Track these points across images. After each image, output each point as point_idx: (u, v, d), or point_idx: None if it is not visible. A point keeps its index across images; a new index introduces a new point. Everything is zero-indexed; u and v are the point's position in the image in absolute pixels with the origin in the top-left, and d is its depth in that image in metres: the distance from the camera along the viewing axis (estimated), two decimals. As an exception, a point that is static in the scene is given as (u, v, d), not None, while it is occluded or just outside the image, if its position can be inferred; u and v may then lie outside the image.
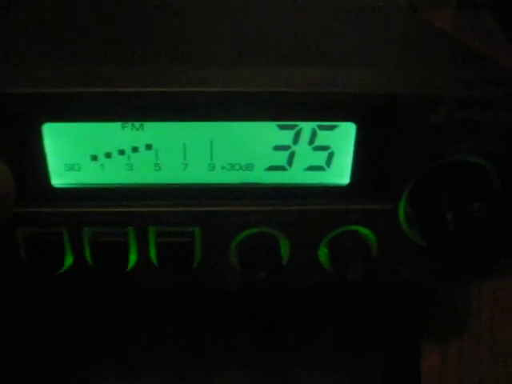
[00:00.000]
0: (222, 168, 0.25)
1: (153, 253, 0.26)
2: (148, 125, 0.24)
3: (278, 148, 0.25)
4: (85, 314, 0.32)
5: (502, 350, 0.30)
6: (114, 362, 0.30)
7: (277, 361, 0.30)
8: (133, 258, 0.26)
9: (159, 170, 0.25)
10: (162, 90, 0.23)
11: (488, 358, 0.30)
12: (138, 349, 0.31)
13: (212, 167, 0.25)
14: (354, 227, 0.26)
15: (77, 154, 0.25)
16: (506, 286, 0.34)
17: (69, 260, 0.26)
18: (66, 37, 0.31)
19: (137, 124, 0.24)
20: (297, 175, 0.26)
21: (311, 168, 0.25)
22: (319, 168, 0.26)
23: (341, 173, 0.26)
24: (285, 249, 0.26)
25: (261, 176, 0.25)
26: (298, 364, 0.30)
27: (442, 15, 0.81)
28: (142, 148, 0.25)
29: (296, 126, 0.24)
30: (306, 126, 0.25)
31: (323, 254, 0.27)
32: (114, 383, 0.29)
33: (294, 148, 0.25)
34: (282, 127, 0.24)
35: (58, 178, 0.25)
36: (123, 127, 0.24)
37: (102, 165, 0.25)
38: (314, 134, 0.25)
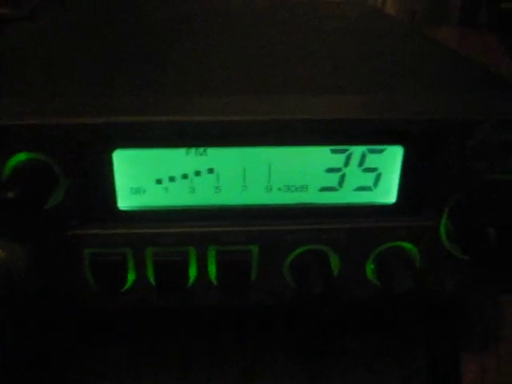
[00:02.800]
0: (279, 189, 0.27)
1: (212, 271, 0.27)
2: (211, 150, 0.26)
3: (330, 170, 0.27)
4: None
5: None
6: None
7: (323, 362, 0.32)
8: (192, 276, 0.28)
9: (219, 192, 0.27)
10: (224, 118, 0.25)
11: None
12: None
13: (269, 189, 0.27)
14: (398, 243, 0.28)
15: (143, 178, 0.26)
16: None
17: (131, 278, 0.28)
18: (125, 67, 0.32)
19: (200, 149, 0.26)
20: (347, 195, 0.27)
21: (360, 188, 0.27)
22: (367, 188, 0.27)
23: (387, 192, 0.27)
24: (335, 264, 0.28)
25: (314, 196, 0.27)
26: (348, 370, 0.32)
27: (442, 33, 0.84)
28: (204, 172, 0.26)
29: (347, 150, 0.26)
30: (357, 150, 0.26)
31: (370, 269, 0.28)
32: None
33: (344, 170, 0.27)
34: (334, 151, 0.26)
35: (124, 201, 0.27)
36: (187, 153, 0.26)
37: (165, 188, 0.26)
38: (363, 157, 0.27)
